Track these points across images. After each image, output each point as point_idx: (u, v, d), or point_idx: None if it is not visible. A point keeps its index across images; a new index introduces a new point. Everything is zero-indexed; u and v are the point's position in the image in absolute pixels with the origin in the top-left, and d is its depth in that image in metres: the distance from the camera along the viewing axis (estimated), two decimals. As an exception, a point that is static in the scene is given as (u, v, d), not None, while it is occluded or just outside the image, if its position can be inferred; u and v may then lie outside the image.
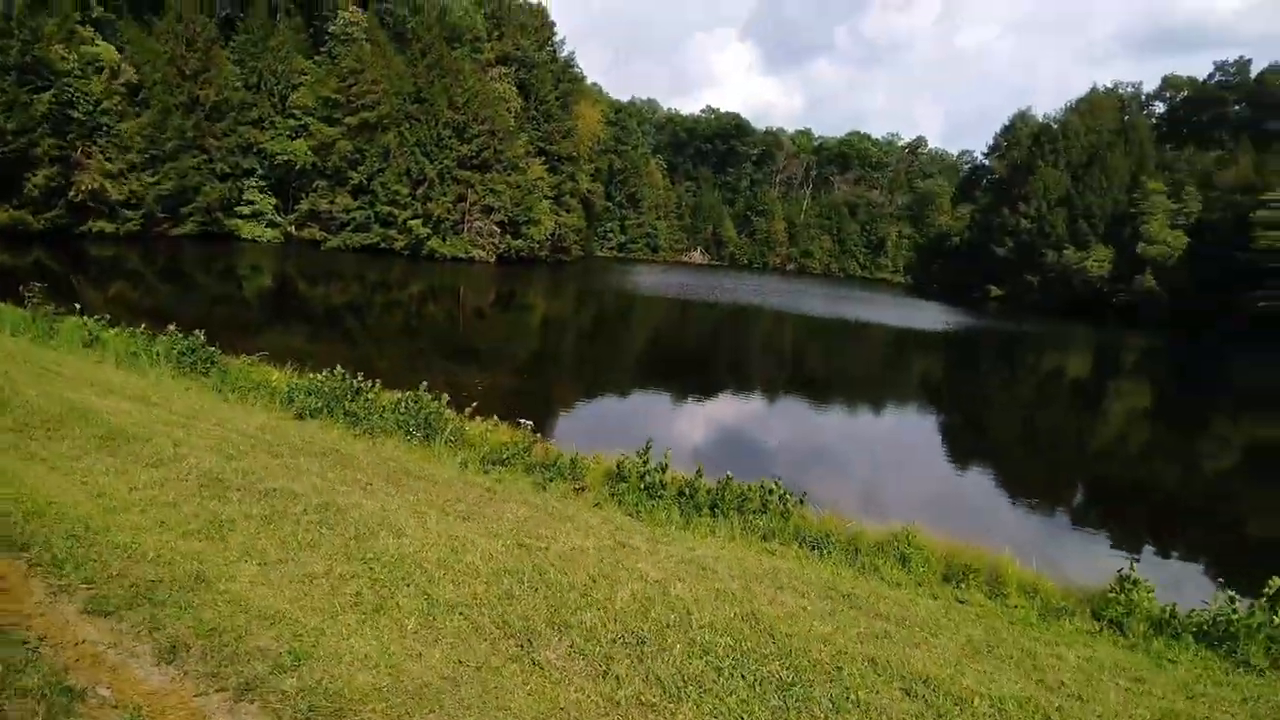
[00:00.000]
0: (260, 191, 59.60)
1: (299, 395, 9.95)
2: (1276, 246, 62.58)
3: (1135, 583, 7.74)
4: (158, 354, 11.10)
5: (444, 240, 61.81)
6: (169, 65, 51.55)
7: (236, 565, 4.06)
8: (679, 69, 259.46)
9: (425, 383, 10.61)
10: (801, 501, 8.88)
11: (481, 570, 4.55)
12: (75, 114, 43.90)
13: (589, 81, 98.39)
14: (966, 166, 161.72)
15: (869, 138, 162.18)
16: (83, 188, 44.31)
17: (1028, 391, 34.40)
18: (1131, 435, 26.34)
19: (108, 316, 13.92)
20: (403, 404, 10.02)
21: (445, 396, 10.09)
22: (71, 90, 43.22)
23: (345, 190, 59.61)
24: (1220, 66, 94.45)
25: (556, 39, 78.27)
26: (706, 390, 26.32)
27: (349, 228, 60.20)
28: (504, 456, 9.08)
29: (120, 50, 47.88)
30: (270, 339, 26.15)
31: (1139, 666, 5.79)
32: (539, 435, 9.53)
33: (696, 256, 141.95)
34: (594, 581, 4.59)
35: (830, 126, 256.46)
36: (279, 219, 60.94)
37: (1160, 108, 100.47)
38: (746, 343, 42.97)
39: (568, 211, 76.71)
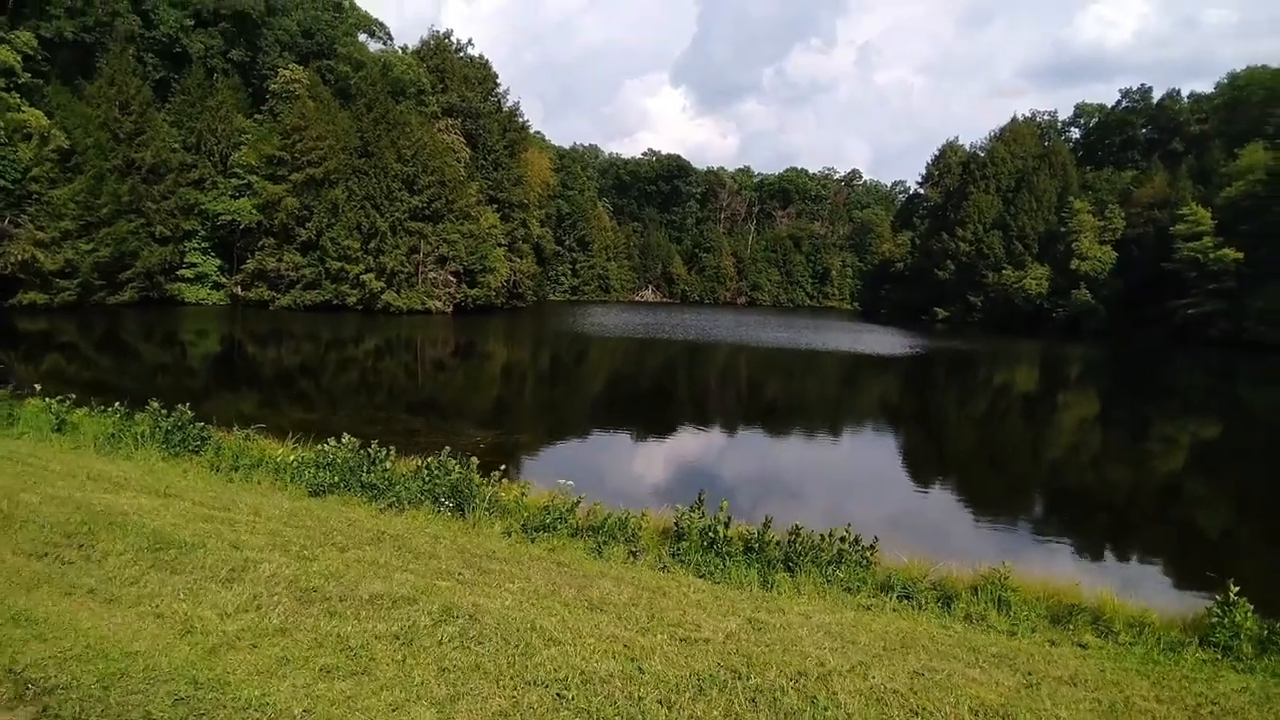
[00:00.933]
0: (203, 253, 57.56)
1: (308, 470, 9.01)
2: (1195, 257, 66.26)
3: (1234, 603, 7.38)
4: (141, 434, 9.96)
5: (399, 293, 60.47)
6: (102, 129, 49.73)
7: (410, 711, 3.20)
8: (613, 115, 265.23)
9: (447, 447, 9.74)
10: (873, 547, 8.31)
11: (678, 681, 3.80)
12: (3, 183, 41.73)
13: (532, 130, 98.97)
14: (901, 195, 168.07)
15: (806, 172, 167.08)
16: (12, 259, 41.95)
17: (983, 406, 34.89)
18: (1088, 442, 26.72)
19: (73, 396, 12.39)
20: (424, 471, 9.15)
21: (474, 460, 9.23)
22: (0, 159, 41.18)
23: (293, 248, 57.97)
24: (1126, 94, 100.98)
25: (500, 89, 78.60)
26: (677, 427, 25.92)
27: (299, 285, 58.42)
28: (547, 521, 8.30)
29: (50, 115, 45.92)
30: (218, 405, 25.19)
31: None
32: (582, 496, 8.75)
33: (648, 295, 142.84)
34: (791, 680, 3.91)
35: (765, 163, 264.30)
36: (224, 280, 58.83)
37: (1076, 133, 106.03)
38: (710, 377, 42.73)
39: (521, 258, 76.24)
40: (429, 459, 9.33)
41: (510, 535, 7.90)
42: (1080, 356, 59.48)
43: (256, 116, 61.33)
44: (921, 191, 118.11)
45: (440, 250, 61.95)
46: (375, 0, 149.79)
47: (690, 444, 23.77)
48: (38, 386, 11.80)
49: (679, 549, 7.97)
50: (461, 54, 77.40)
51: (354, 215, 58.58)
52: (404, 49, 74.31)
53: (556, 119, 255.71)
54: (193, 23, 59.41)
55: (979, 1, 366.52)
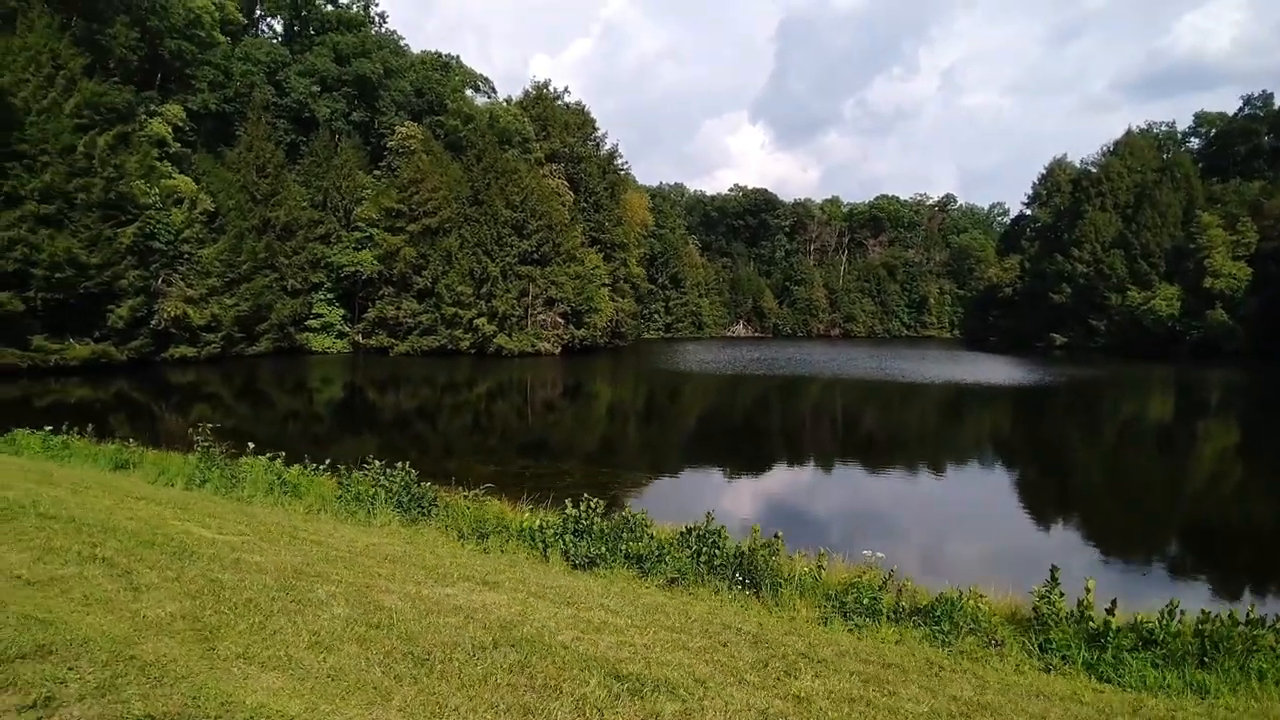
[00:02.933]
0: (328, 304, 60.21)
1: (564, 538, 8.21)
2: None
3: None
4: (365, 496, 9.47)
5: (510, 336, 61.51)
6: (241, 192, 52.99)
7: None
8: (693, 155, 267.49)
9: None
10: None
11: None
12: (158, 244, 44.74)
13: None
14: (1000, 217, 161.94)
15: (897, 199, 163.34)
16: (166, 315, 44.74)
17: (1114, 439, 31.94)
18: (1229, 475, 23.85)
19: (282, 454, 12.21)
20: (691, 539, 8.12)
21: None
22: (154, 222, 44.16)
23: (410, 295, 59.97)
24: (1247, 100, 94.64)
25: (598, 133, 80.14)
26: (786, 463, 25.11)
27: (416, 332, 60.24)
28: (863, 601, 7.18)
29: (197, 181, 49.24)
30: (341, 449, 25.62)
31: None
32: (894, 569, 7.62)
33: (740, 330, 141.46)
34: None
35: (848, 194, 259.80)
36: (347, 329, 61.29)
37: (1195, 143, 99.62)
38: (820, 411, 41.01)
39: (622, 297, 76.62)
40: (693, 525, 8.34)
41: (828, 623, 6.86)
42: (1220, 381, 54.61)
43: (375, 172, 64.29)
44: (1028, 212, 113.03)
45: (548, 292, 62.88)
46: (471, 58, 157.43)
47: (803, 480, 23.02)
48: (251, 445, 11.52)
49: (1048, 641, 6.75)
50: (560, 102, 79.58)
51: (467, 262, 60.21)
52: (508, 100, 76.94)
53: (639, 161, 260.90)
54: (319, 89, 63.11)
55: (1066, 18, 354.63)
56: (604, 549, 8.05)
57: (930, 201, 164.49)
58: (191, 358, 47.39)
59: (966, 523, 17.84)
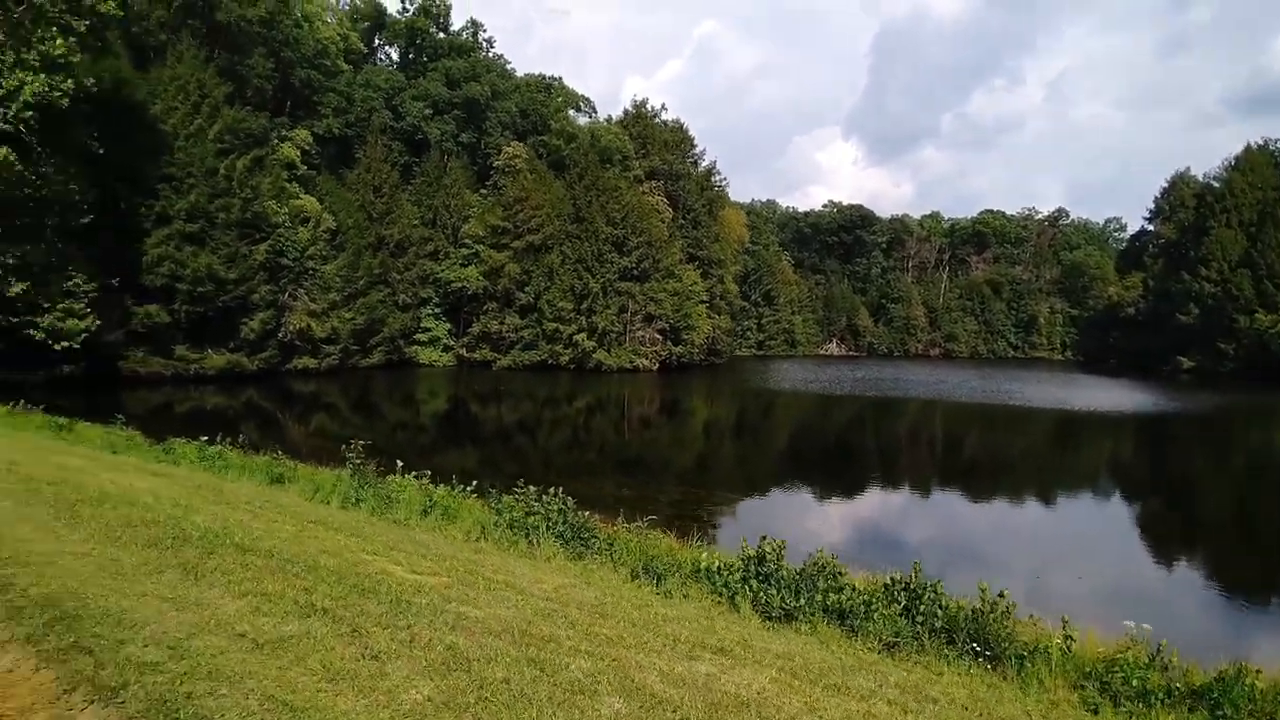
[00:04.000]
0: (435, 318, 62.31)
1: (751, 585, 7.56)
2: None
3: None
4: (532, 526, 9.19)
5: (609, 352, 61.98)
6: (359, 211, 55.64)
7: None
8: (782, 171, 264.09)
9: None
10: None
11: None
12: (285, 261, 47.39)
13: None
14: (1116, 232, 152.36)
15: (1003, 214, 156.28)
16: (291, 328, 47.27)
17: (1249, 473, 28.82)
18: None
19: (428, 473, 12.04)
20: (896, 593, 7.16)
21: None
22: (283, 240, 46.85)
23: (513, 310, 61.36)
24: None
25: (696, 150, 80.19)
26: (887, 488, 23.63)
27: (518, 346, 61.54)
28: (1132, 684, 6.22)
29: (320, 201, 52.02)
30: (444, 459, 26.15)
31: None
32: (1162, 643, 6.65)
33: (833, 348, 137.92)
34: None
35: (945, 209, 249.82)
36: (452, 343, 63.25)
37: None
38: (934, 437, 39.06)
39: (719, 314, 76.08)
40: (898, 575, 7.62)
41: (1098, 712, 6.01)
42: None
43: (482, 191, 66.33)
44: (1150, 228, 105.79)
45: (647, 309, 63.07)
46: (568, 82, 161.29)
47: (914, 508, 22.10)
48: (400, 463, 11.59)
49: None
50: (658, 120, 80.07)
51: (568, 278, 61.15)
52: (608, 119, 78.08)
53: (729, 179, 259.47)
54: (431, 112, 65.76)
55: (1174, 30, 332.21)
56: (801, 601, 7.35)
57: (1039, 216, 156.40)
58: (312, 369, 49.86)
59: (1133, 564, 16.38)
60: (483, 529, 9.18)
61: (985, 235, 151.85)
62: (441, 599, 4.70)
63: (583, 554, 8.46)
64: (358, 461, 11.34)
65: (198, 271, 38.60)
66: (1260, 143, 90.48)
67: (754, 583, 7.40)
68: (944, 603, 7.07)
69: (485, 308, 61.99)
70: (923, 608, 7.00)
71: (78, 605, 3.72)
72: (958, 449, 35.61)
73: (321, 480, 11.63)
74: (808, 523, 19.56)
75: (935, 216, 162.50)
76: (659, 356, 64.66)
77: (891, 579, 7.35)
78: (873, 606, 6.80)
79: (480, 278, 61.13)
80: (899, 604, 7.09)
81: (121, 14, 32.52)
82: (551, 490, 9.88)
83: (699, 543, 9.57)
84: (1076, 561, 16.17)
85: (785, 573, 7.41)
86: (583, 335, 61.12)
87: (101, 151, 32.51)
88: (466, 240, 62.04)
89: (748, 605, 6.92)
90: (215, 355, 41.43)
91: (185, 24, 44.01)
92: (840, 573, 7.44)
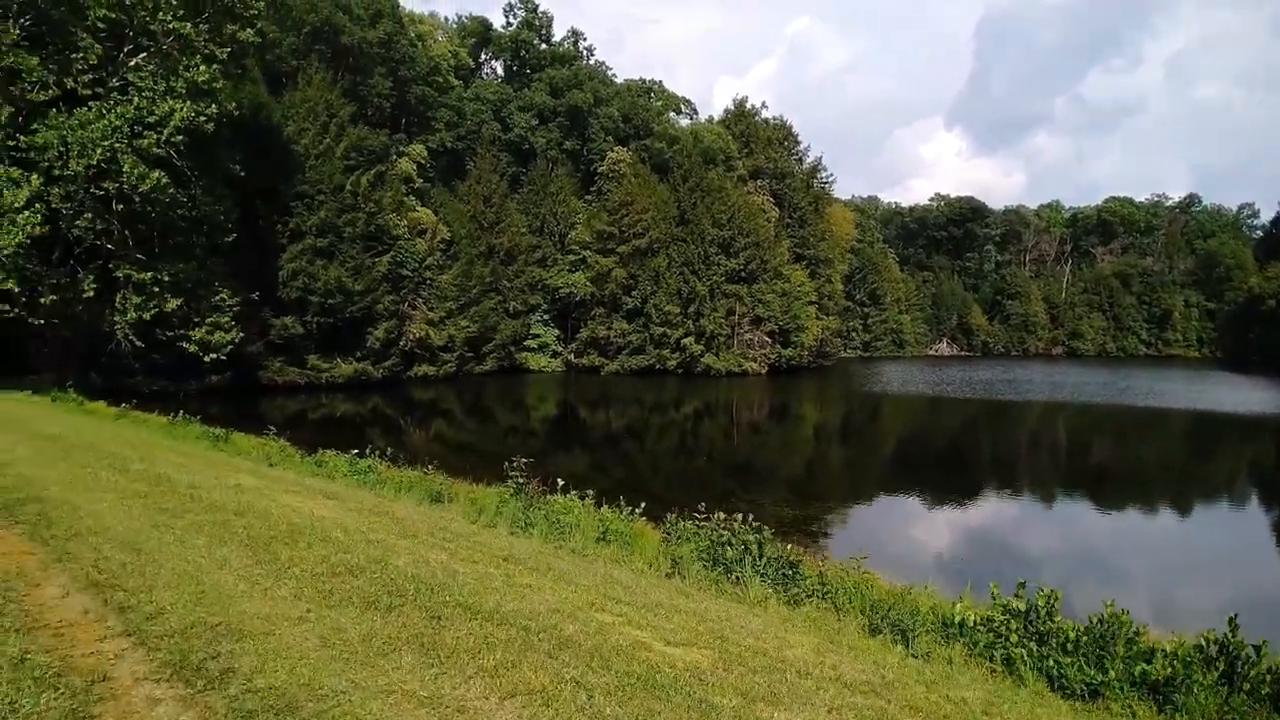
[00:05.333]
0: (544, 325, 63.07)
1: (1028, 646, 6.08)
2: None
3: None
4: (738, 562, 7.82)
5: (717, 355, 60.98)
6: (471, 221, 56.96)
7: None
8: (881, 167, 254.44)
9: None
10: None
11: None
12: (405, 272, 48.94)
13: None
14: (1250, 219, 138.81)
15: (1130, 201, 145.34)
16: (411, 336, 48.75)
17: None
18: None
19: (589, 493, 11.01)
20: (1214, 651, 5.87)
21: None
22: (403, 252, 48.40)
23: (620, 315, 61.29)
24: None
25: (801, 147, 78.09)
26: (1011, 499, 21.14)
27: (625, 351, 61.41)
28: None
29: (435, 213, 53.54)
30: (554, 464, 26.16)
31: None
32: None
33: (943, 348, 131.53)
34: None
35: (1060, 198, 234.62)
36: (560, 349, 63.85)
37: None
38: (1051, 441, 35.80)
39: (827, 315, 73.71)
40: (1209, 634, 6.17)
41: None
42: None
43: (586, 197, 66.73)
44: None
45: (755, 311, 61.69)
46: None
47: (1057, 521, 19.92)
48: (560, 481, 10.98)
49: None
50: (758, 118, 78.42)
51: (674, 281, 60.56)
52: (709, 120, 77.12)
53: (834, 174, 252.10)
54: (537, 122, 66.73)
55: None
56: (1110, 674, 5.94)
57: (1170, 203, 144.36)
58: (431, 375, 51.30)
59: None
60: (674, 563, 8.34)
61: (1111, 224, 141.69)
62: (740, 698, 3.93)
63: (798, 597, 7.49)
64: (521, 480, 10.84)
65: (328, 284, 40.27)
66: None
67: (1031, 645, 6.26)
68: (1269, 665, 5.70)
69: (592, 313, 62.22)
70: (1251, 673, 5.67)
71: (317, 709, 3.20)
72: (1089, 455, 32.78)
73: (480, 499, 11.27)
74: (930, 536, 18.42)
75: (1055, 206, 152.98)
76: (768, 359, 63.13)
77: (1205, 638, 6.02)
78: (1190, 677, 5.52)
79: (587, 283, 61.41)
80: (1215, 670, 5.78)
81: (259, 40, 34.26)
82: (741, 517, 8.95)
83: (927, 585, 8.35)
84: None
85: (1069, 631, 6.22)
86: (690, 339, 60.37)
87: (242, 173, 34.36)
88: (573, 246, 62.49)
89: (1031, 675, 5.80)
90: (344, 364, 43.13)
91: (313, 49, 46.16)
92: (1138, 632, 6.16)
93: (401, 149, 54.97)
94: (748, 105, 78.07)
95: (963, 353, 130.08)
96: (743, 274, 61.73)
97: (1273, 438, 36.67)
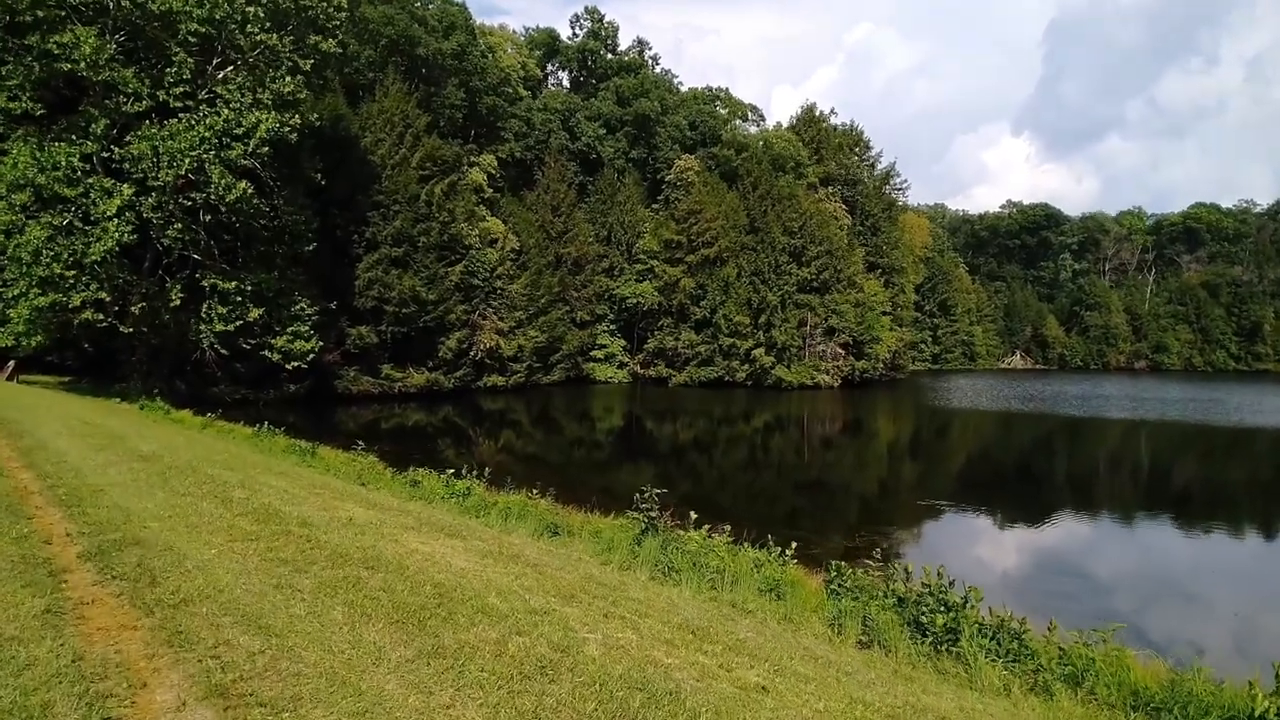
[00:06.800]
0: (610, 335, 62.23)
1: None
2: None
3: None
4: (953, 632, 6.38)
5: (788, 367, 59.08)
6: (539, 231, 56.59)
7: None
8: (944, 174, 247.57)
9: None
10: None
11: None
12: (476, 281, 48.68)
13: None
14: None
15: (1217, 208, 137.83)
16: (481, 346, 48.40)
17: None
18: None
19: (727, 526, 9.63)
20: None
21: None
22: (474, 261, 48.15)
23: (689, 326, 60.01)
24: None
25: (873, 153, 75.73)
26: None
27: (693, 362, 60.07)
28: None
29: (505, 223, 53.27)
30: (619, 476, 25.83)
31: None
32: None
33: (1017, 361, 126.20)
34: None
35: (1134, 204, 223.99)
36: (627, 359, 62.88)
37: None
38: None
39: (901, 325, 71.01)
40: None
41: None
42: None
43: (653, 206, 65.83)
44: None
45: (829, 321, 59.63)
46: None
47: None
48: (694, 514, 9.49)
49: None
50: (827, 124, 76.42)
51: (744, 291, 59.02)
52: (777, 125, 75.47)
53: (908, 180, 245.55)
54: (604, 131, 66.23)
55: None
56: None
57: (1259, 209, 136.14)
58: (500, 386, 50.88)
59: None
60: (864, 625, 6.81)
61: (1197, 232, 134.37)
62: None
63: (1045, 683, 5.87)
64: (653, 514, 9.53)
65: (403, 293, 40.14)
66: None
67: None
68: None
69: (660, 324, 61.11)
70: None
71: None
72: (1169, 478, 30.13)
73: (602, 532, 10.11)
74: (1006, 562, 17.00)
75: (1136, 213, 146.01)
76: (841, 372, 60.89)
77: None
78: None
79: (655, 293, 60.37)
80: None
81: (340, 52, 34.35)
82: (933, 569, 7.22)
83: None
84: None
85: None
86: (760, 350, 58.66)
87: (323, 183, 34.41)
88: (640, 256, 61.58)
89: None
90: (416, 374, 42.97)
91: (390, 60, 46.43)
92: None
93: (472, 159, 54.98)
94: (816, 111, 76.23)
95: (1038, 366, 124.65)
96: (815, 283, 59.78)
97: None
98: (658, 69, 76.46)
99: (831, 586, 7.86)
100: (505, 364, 50.75)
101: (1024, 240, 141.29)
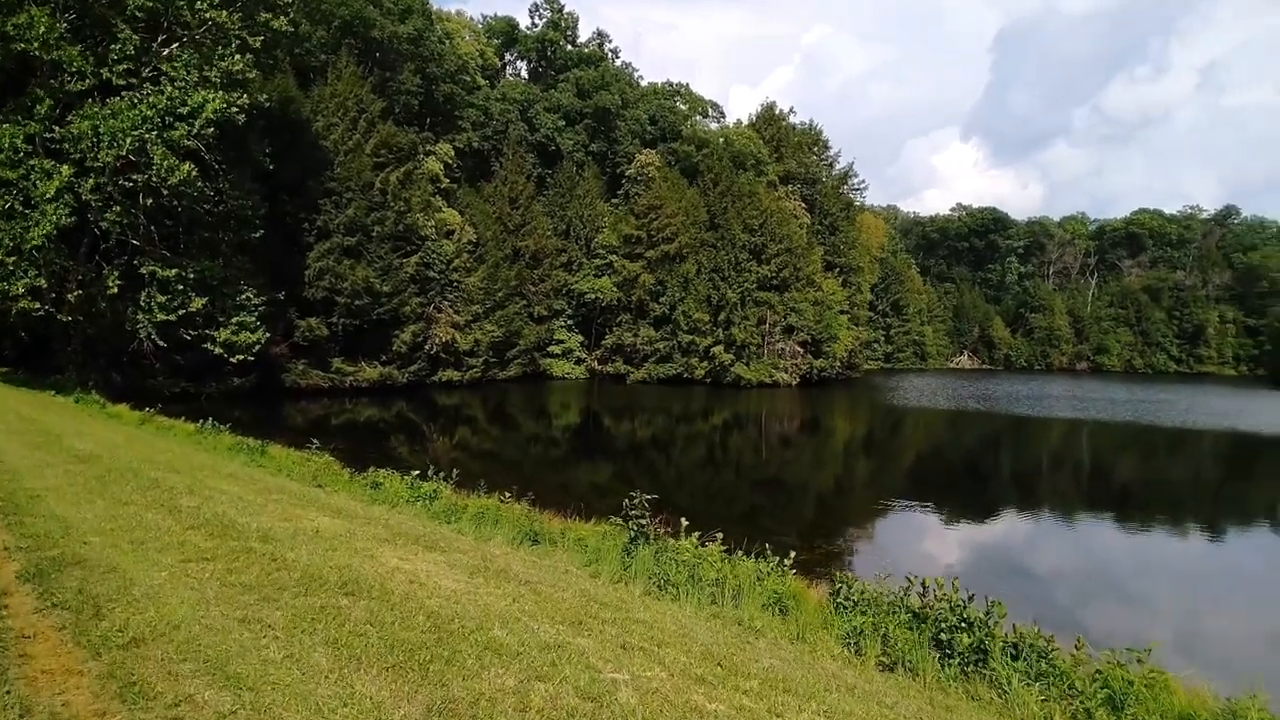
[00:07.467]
0: (568, 330, 61.36)
1: None
2: None
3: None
4: (981, 653, 5.96)
5: (747, 365, 59.06)
6: (496, 223, 55.39)
7: None
8: (896, 177, 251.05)
9: None
10: None
11: None
12: (432, 273, 47.32)
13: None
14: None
15: (1160, 213, 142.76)
16: (437, 340, 47.09)
17: None
18: None
19: (719, 534, 8.86)
20: None
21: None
22: (430, 253, 46.79)
23: (647, 322, 59.52)
24: None
25: (832, 153, 76.29)
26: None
27: (652, 359, 59.62)
28: None
29: (461, 214, 51.95)
30: (576, 475, 25.60)
31: None
32: None
33: (964, 361, 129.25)
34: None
35: (1077, 210, 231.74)
36: (585, 355, 62.09)
37: None
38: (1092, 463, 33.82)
39: (857, 325, 71.74)
40: None
41: None
42: None
43: (613, 201, 65.09)
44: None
45: (788, 319, 59.76)
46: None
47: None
48: (685, 521, 8.80)
49: None
50: (786, 122, 76.60)
51: (704, 288, 58.78)
52: (738, 123, 75.43)
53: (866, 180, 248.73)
54: (563, 123, 65.19)
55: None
56: None
57: (1204, 215, 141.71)
58: (456, 381, 49.64)
59: None
60: (884, 643, 6.22)
61: (1140, 237, 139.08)
62: None
63: (1086, 711, 5.44)
64: (643, 522, 8.87)
65: (355, 284, 38.67)
66: None
67: None
68: None
69: (618, 319, 60.47)
70: None
71: None
72: (1109, 475, 31.27)
73: (586, 540, 9.45)
74: (953, 557, 17.16)
75: (1080, 218, 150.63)
76: (799, 370, 61.13)
77: None
78: None
79: (614, 288, 59.70)
80: None
81: (292, 31, 32.79)
82: (942, 583, 6.77)
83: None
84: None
85: None
86: (719, 348, 58.51)
87: (271, 167, 32.83)
88: (600, 251, 60.82)
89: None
90: (368, 368, 41.52)
91: (344, 43, 44.70)
92: None
93: (429, 148, 53.43)
94: (776, 109, 76.33)
95: (985, 366, 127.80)
96: (775, 281, 59.86)
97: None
98: (618, 62, 75.71)
99: (839, 600, 7.39)
100: (461, 359, 49.51)
101: (972, 243, 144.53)
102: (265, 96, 31.07)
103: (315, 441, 17.01)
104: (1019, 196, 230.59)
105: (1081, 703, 5.52)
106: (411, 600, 5.00)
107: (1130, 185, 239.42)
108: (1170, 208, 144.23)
